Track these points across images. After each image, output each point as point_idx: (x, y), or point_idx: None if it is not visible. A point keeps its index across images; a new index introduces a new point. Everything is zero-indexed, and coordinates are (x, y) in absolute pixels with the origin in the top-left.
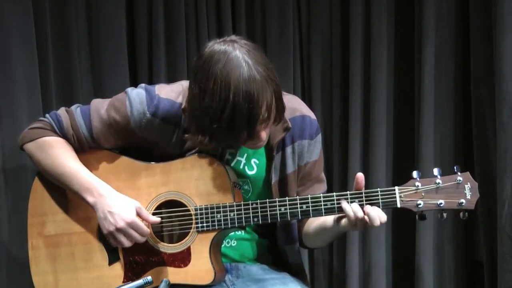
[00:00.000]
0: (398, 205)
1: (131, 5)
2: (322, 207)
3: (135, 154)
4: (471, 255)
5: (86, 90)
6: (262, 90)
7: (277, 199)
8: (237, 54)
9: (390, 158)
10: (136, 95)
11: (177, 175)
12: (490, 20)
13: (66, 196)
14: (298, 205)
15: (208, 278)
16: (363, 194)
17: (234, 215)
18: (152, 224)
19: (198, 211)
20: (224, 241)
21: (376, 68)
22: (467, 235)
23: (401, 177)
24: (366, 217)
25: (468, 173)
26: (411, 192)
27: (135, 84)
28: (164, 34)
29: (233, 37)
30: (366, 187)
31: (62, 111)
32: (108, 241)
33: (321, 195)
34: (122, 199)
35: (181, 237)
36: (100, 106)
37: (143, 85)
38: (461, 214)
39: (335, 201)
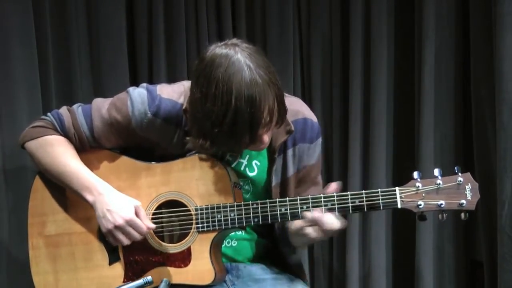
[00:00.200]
0: (399, 206)
1: (131, 5)
2: (323, 207)
3: (136, 154)
4: (471, 255)
5: (86, 90)
6: (264, 94)
7: (277, 199)
8: (238, 58)
9: (390, 158)
10: (138, 95)
11: (177, 175)
12: (490, 20)
13: (66, 195)
14: (299, 206)
15: (208, 278)
16: (364, 195)
17: (234, 215)
18: (147, 229)
19: (199, 211)
20: (224, 241)
21: (376, 68)
22: (467, 235)
23: (401, 177)
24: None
25: (468, 173)
26: (411, 192)
27: (135, 84)
28: (164, 34)
29: (234, 40)
30: (366, 187)
31: (63, 110)
32: (107, 239)
33: (322, 195)
34: (122, 197)
35: (182, 237)
36: (102, 106)
37: (144, 84)
38: (462, 214)
39: (336, 202)
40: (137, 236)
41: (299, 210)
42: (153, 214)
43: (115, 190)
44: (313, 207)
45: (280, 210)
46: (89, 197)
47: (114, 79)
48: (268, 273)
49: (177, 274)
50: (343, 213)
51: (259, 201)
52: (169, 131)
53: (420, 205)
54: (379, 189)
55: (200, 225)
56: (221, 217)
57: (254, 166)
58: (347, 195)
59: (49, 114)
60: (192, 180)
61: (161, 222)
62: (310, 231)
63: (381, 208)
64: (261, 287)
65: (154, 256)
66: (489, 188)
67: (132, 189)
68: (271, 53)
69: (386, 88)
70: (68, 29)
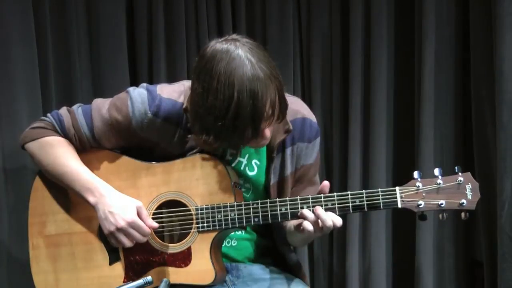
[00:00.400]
0: (399, 206)
1: (131, 5)
2: (323, 207)
3: (136, 154)
4: (471, 255)
5: (86, 90)
6: (266, 88)
7: (277, 199)
8: (239, 52)
9: (390, 158)
10: (138, 95)
11: (178, 175)
12: (490, 20)
13: (67, 195)
14: (299, 205)
15: (208, 278)
16: (364, 194)
17: (234, 215)
18: (149, 229)
19: (199, 211)
20: (224, 241)
21: (376, 68)
22: (467, 235)
23: (401, 177)
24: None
25: (469, 173)
26: (412, 192)
27: (135, 84)
28: (164, 34)
29: (234, 36)
30: (366, 187)
31: (63, 111)
32: (109, 241)
33: (322, 195)
34: (123, 199)
35: (182, 237)
36: (102, 106)
37: (144, 84)
38: (462, 214)
39: (336, 201)
40: (139, 237)
41: (299, 209)
42: (154, 214)
43: (117, 191)
44: (313, 206)
45: (281, 210)
46: (91, 199)
47: (114, 79)
48: (268, 273)
49: (177, 274)
50: (344, 212)
51: (259, 201)
52: (170, 130)
53: (421, 204)
54: (379, 189)
55: (200, 225)
56: (221, 217)
57: (254, 166)
58: (347, 195)
59: (49, 115)
60: (192, 180)
61: (162, 222)
62: (309, 227)
63: (382, 207)
64: (261, 287)
65: (155, 256)
66: (489, 188)
67: (132, 189)
68: (271, 53)
69: (386, 88)
70: (68, 29)
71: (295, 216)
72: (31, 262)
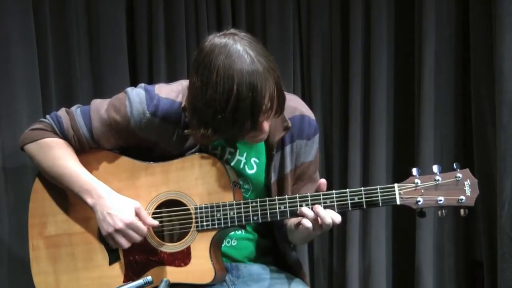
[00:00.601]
0: (398, 202)
1: (131, 5)
2: (322, 205)
3: (135, 154)
4: (471, 255)
5: (86, 90)
6: (264, 80)
7: (276, 197)
8: (238, 46)
9: (390, 158)
10: (136, 95)
11: (177, 175)
12: (490, 20)
13: (66, 196)
14: (298, 203)
15: (208, 277)
16: (363, 192)
17: (234, 213)
18: (150, 227)
19: (198, 210)
20: (224, 241)
21: (376, 68)
22: (467, 235)
23: (401, 177)
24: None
25: (467, 169)
26: (410, 189)
27: (135, 84)
28: (164, 34)
29: (232, 30)
30: (366, 186)
31: (62, 112)
32: (108, 242)
33: (321, 193)
34: (121, 200)
35: (182, 236)
36: (100, 106)
37: (142, 85)
38: (461, 211)
39: (335, 199)
40: (137, 238)
41: (298, 208)
42: (153, 213)
43: (115, 192)
44: (312, 204)
45: (280, 208)
46: (89, 200)
47: (114, 79)
48: (268, 273)
49: (177, 274)
50: (343, 210)
51: (258, 200)
52: (168, 130)
53: (419, 201)
54: (378, 186)
55: (199, 224)
56: (220, 215)
57: (253, 164)
58: (346, 192)
59: (47, 116)
60: (191, 180)
61: (161, 222)
62: (308, 224)
63: (380, 204)
64: (261, 287)
65: (154, 255)
66: (489, 188)
67: (131, 189)
68: (271, 53)
69: (386, 88)
70: (68, 29)
71: (294, 214)
72: (31, 263)
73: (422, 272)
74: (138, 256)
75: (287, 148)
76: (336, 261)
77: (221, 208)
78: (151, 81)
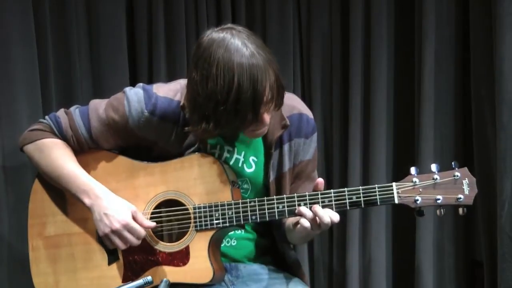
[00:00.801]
0: (396, 201)
1: (131, 5)
2: (320, 204)
3: (134, 154)
4: (471, 255)
5: (86, 90)
6: (265, 72)
7: (275, 197)
8: (236, 39)
9: (390, 158)
10: (134, 94)
11: (175, 174)
12: (490, 20)
13: (66, 197)
14: (296, 203)
15: (207, 277)
16: (361, 191)
17: (232, 213)
18: (147, 228)
19: (197, 210)
20: (224, 241)
21: (376, 68)
22: (467, 235)
23: (401, 177)
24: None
25: (465, 168)
26: (408, 188)
27: (135, 84)
28: (164, 34)
29: (229, 25)
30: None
31: (61, 113)
32: (104, 243)
33: (319, 192)
34: (119, 201)
35: (180, 236)
36: (99, 106)
37: (141, 84)
38: (460, 209)
39: (333, 198)
40: (133, 240)
41: (297, 207)
42: (152, 213)
43: (113, 193)
44: (310, 203)
45: (278, 207)
46: (87, 200)
47: (114, 79)
48: (268, 273)
49: (176, 273)
50: (341, 209)
51: (256, 199)
52: (167, 129)
53: (418, 200)
54: (376, 185)
55: (198, 223)
56: (219, 215)
57: (251, 162)
58: (344, 191)
59: (46, 117)
60: (190, 179)
61: (160, 222)
62: (307, 224)
63: (379, 203)
64: (260, 287)
65: (153, 255)
66: (489, 188)
67: (130, 189)
68: None
69: (386, 88)
70: (68, 29)
71: (292, 213)
72: (31, 263)
73: (422, 272)
74: (137, 256)
75: (286, 147)
76: (336, 261)
77: (219, 207)
78: (151, 81)
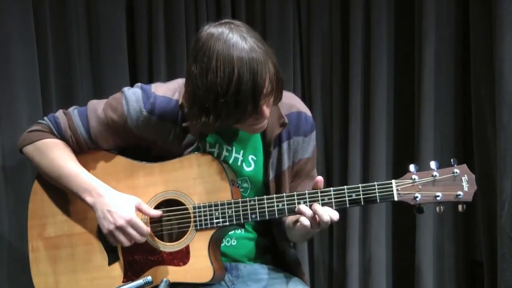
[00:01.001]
0: (395, 198)
1: (131, 5)
2: (320, 202)
3: (134, 154)
4: (471, 255)
5: (86, 90)
6: (264, 63)
7: (274, 195)
8: (235, 32)
9: (390, 158)
10: (133, 93)
11: (175, 174)
12: (490, 20)
13: (66, 197)
14: (296, 201)
15: (207, 276)
16: (360, 188)
17: (232, 212)
18: (153, 217)
19: (197, 209)
20: (224, 240)
21: (376, 68)
22: (467, 235)
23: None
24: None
25: (465, 165)
26: (408, 185)
27: (135, 85)
28: (164, 34)
29: (227, 19)
30: None
31: (60, 113)
32: (108, 240)
33: (318, 190)
34: (121, 197)
35: (180, 236)
36: (98, 106)
37: (139, 84)
38: (459, 206)
39: (333, 196)
40: (138, 237)
41: (296, 205)
42: None
43: (115, 190)
44: (310, 201)
45: (278, 206)
46: (89, 199)
47: (114, 79)
48: (268, 273)
49: (176, 273)
50: (340, 207)
51: (256, 198)
52: (165, 128)
53: (417, 197)
54: (375, 182)
55: (198, 223)
56: (218, 214)
57: (250, 161)
58: (343, 189)
59: (45, 118)
60: (189, 179)
61: (160, 221)
62: (306, 222)
63: (378, 201)
64: (261, 287)
65: (153, 255)
66: (489, 188)
67: (130, 189)
68: None
69: (386, 88)
70: (68, 29)
71: (292, 212)
72: (31, 264)
73: (422, 272)
74: (138, 256)
75: (285, 145)
76: (336, 260)
77: (219, 206)
78: (151, 81)
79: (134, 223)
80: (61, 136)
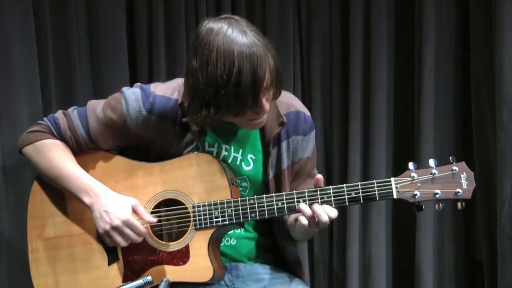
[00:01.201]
0: (395, 196)
1: (131, 5)
2: (319, 200)
3: (133, 154)
4: (471, 255)
5: (86, 90)
6: (264, 56)
7: (273, 194)
8: (234, 27)
9: (390, 158)
10: (132, 93)
11: (174, 174)
12: (490, 20)
13: (65, 198)
14: (295, 200)
15: (207, 275)
16: (359, 186)
17: (231, 211)
18: (148, 224)
19: (196, 209)
20: (223, 240)
21: (376, 68)
22: (467, 235)
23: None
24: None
25: (463, 163)
26: (407, 182)
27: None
28: (164, 34)
29: (226, 14)
30: None
31: (59, 114)
32: (105, 241)
33: (318, 188)
34: (118, 198)
35: (180, 235)
36: (97, 106)
37: (138, 84)
38: (458, 204)
39: (332, 194)
40: (134, 237)
41: (296, 203)
42: (151, 213)
43: (112, 191)
44: (309, 200)
45: (277, 204)
46: (86, 199)
47: (114, 79)
48: (268, 273)
49: (176, 272)
50: (340, 205)
51: (255, 197)
52: (165, 127)
53: (416, 195)
54: (374, 181)
55: (197, 222)
56: (218, 213)
57: (249, 160)
58: (342, 188)
59: (45, 118)
60: (189, 178)
61: (160, 221)
62: (304, 221)
63: (377, 199)
64: (261, 287)
65: (153, 255)
66: (489, 188)
67: (129, 189)
68: None
69: (386, 88)
70: (68, 29)
71: (291, 210)
72: (30, 265)
73: (422, 272)
74: (137, 256)
75: (284, 144)
76: (336, 260)
77: (218, 206)
78: (151, 81)
79: (131, 223)
80: (61, 137)
